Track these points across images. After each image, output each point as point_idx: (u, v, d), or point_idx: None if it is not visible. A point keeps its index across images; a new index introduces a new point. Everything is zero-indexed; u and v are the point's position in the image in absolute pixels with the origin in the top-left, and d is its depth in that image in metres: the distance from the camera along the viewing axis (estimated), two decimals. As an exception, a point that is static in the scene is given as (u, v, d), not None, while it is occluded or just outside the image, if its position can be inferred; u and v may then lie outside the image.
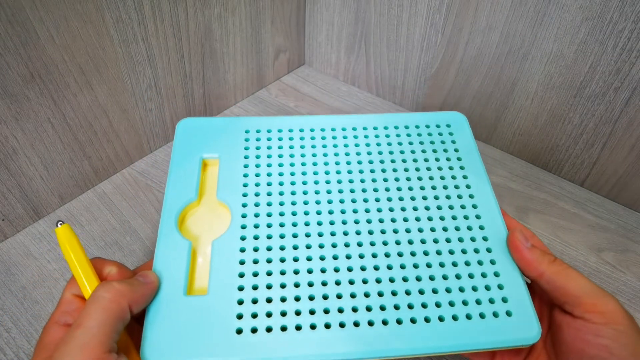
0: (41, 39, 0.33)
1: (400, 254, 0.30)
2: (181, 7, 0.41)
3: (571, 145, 0.45)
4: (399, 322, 0.27)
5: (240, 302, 0.27)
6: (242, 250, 0.30)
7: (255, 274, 0.29)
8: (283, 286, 0.28)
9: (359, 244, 0.30)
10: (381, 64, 0.54)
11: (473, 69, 0.47)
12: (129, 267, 0.37)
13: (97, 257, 0.28)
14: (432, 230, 0.31)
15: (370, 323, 0.27)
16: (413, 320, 0.27)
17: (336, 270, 0.29)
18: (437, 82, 0.50)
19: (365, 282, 0.29)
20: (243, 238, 0.30)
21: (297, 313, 0.27)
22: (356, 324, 0.27)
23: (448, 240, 0.31)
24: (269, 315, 0.27)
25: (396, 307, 0.28)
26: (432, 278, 0.29)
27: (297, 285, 0.28)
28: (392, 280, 0.29)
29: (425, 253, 0.30)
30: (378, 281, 0.29)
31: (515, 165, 0.49)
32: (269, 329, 0.26)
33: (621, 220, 0.44)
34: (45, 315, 0.35)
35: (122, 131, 0.43)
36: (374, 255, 0.30)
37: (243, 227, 0.31)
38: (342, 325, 0.27)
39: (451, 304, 0.28)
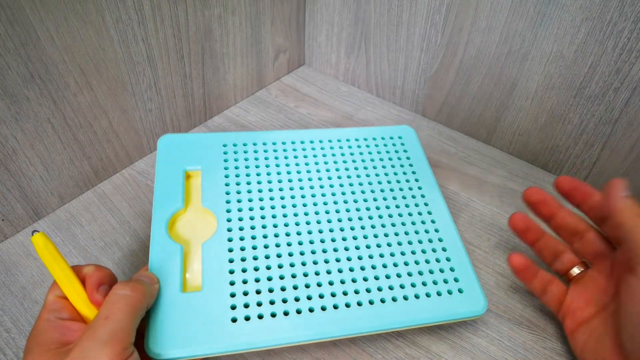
0: (41, 39, 0.34)
1: (368, 246, 0.35)
2: (181, 7, 0.41)
3: (571, 146, 0.45)
4: (371, 302, 0.31)
5: (233, 295, 0.31)
6: (230, 250, 0.33)
7: (244, 270, 0.32)
8: (269, 279, 0.32)
9: (333, 240, 0.35)
10: (381, 64, 0.54)
11: (473, 69, 0.47)
12: (129, 267, 0.38)
13: (73, 265, 0.29)
14: (393, 225, 0.36)
15: (347, 305, 0.31)
16: (382, 301, 0.32)
17: (315, 263, 0.33)
18: (437, 82, 0.51)
19: (340, 271, 0.33)
20: (230, 239, 0.34)
21: (284, 301, 0.31)
22: (335, 307, 0.31)
23: (406, 233, 0.36)
24: (259, 304, 0.30)
25: (367, 291, 0.32)
26: (395, 265, 0.34)
27: (281, 277, 0.32)
28: (362, 268, 0.33)
29: (389, 244, 0.35)
30: (351, 270, 0.33)
31: (515, 165, 0.49)
32: (260, 316, 0.30)
33: (621, 221, 0.44)
34: (45, 315, 0.35)
35: (122, 131, 0.43)
36: (346, 249, 0.34)
37: (229, 229, 0.34)
38: (323, 309, 0.31)
39: (413, 285, 0.33)
